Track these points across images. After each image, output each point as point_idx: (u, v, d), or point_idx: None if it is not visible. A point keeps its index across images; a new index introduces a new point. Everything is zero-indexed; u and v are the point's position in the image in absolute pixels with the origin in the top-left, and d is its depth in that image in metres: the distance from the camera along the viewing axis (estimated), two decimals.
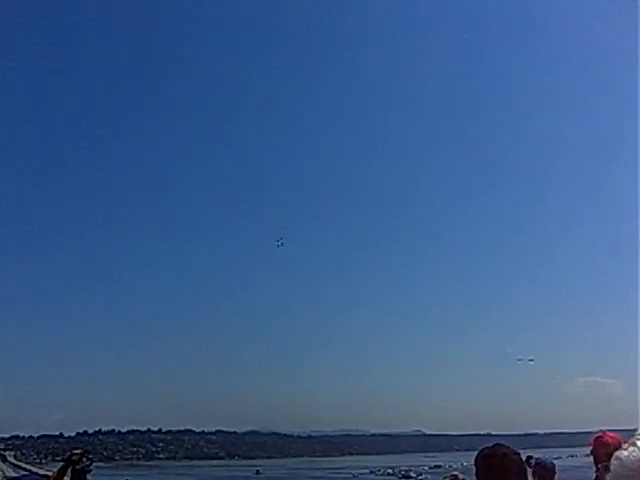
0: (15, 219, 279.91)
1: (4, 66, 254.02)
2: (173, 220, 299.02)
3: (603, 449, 6.95)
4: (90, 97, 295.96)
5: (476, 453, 4.33)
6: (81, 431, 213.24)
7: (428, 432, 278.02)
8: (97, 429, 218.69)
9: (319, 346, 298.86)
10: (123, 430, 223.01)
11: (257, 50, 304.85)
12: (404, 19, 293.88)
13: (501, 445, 4.17)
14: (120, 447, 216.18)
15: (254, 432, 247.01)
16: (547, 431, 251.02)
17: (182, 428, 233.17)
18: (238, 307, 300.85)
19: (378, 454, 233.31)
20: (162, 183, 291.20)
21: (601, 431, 7.33)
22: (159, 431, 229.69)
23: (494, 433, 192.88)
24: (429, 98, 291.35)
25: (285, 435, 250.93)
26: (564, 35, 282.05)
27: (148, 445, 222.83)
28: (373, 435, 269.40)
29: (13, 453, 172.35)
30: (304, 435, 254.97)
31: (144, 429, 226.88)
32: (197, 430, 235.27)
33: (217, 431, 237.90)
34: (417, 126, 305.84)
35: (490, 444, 4.30)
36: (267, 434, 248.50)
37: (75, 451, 7.05)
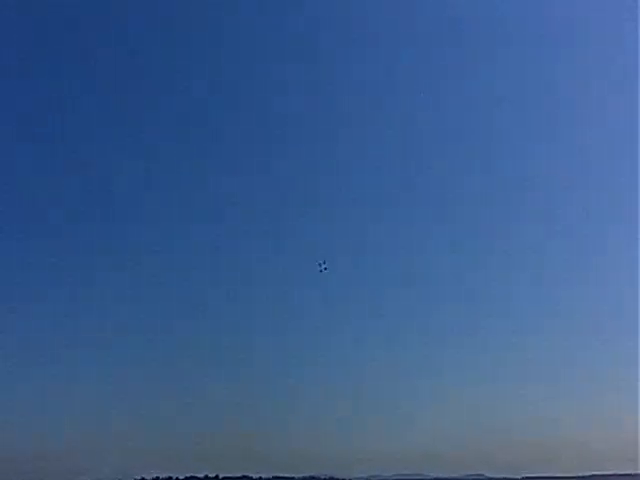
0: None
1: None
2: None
3: None
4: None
5: None
6: (138, 478, 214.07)
7: (490, 475, 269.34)
8: (154, 476, 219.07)
9: (377, 387, 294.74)
10: (181, 477, 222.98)
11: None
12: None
13: None
14: None
15: (312, 477, 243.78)
16: (609, 472, 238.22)
17: (239, 474, 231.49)
18: (295, 351, 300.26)
19: None
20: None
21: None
22: (216, 477, 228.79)
23: (559, 475, 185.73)
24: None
25: None
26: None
27: None
28: (433, 479, 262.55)
29: None
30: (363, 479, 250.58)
31: (201, 476, 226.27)
32: (255, 476, 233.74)
33: (274, 477, 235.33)
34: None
35: None
36: (325, 479, 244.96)
37: None
